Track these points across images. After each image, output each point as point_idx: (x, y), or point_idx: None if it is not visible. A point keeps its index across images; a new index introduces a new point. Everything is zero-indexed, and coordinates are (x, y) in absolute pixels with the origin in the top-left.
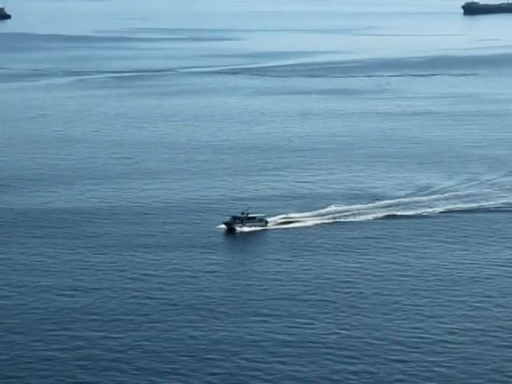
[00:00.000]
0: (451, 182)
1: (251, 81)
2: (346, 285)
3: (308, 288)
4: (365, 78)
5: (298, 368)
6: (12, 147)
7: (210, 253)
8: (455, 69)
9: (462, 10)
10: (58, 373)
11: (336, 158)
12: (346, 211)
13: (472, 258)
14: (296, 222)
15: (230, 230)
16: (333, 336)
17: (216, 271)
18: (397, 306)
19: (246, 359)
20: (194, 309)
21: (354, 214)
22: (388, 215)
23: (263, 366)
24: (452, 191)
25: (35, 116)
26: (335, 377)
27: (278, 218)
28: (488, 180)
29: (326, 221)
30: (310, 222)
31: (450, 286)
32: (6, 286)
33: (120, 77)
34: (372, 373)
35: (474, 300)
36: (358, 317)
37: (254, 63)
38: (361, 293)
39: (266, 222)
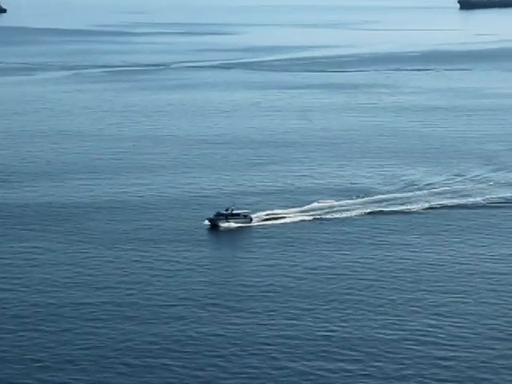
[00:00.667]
0: (442, 177)
1: (247, 75)
2: (330, 280)
3: (291, 284)
4: (361, 73)
5: (284, 363)
6: (8, 141)
7: (192, 249)
8: (451, 63)
9: (458, 5)
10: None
11: (327, 153)
12: (332, 207)
13: (460, 253)
14: (281, 218)
15: (214, 227)
16: (318, 332)
17: (195, 267)
18: (383, 301)
19: (230, 354)
20: (165, 306)
21: (340, 210)
22: (375, 211)
23: (247, 360)
24: (442, 186)
25: (31, 110)
26: (321, 372)
27: (262, 214)
28: (479, 175)
29: (311, 217)
30: (296, 218)
31: (437, 280)
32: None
33: (116, 71)
34: (360, 369)
35: (460, 295)
36: (345, 311)
37: (250, 58)
38: (347, 288)
39: (251, 219)
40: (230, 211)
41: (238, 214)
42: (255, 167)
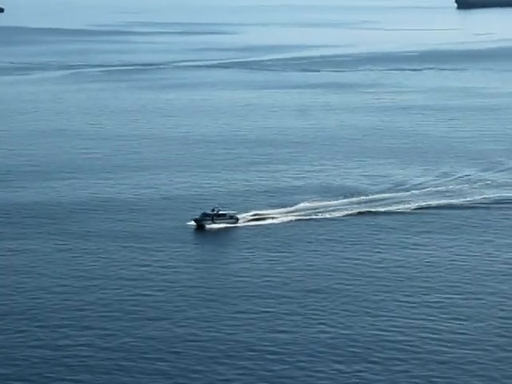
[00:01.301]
0: (436, 177)
1: (246, 75)
2: (316, 280)
3: (276, 284)
4: (359, 72)
5: (263, 363)
6: (5, 140)
7: (176, 250)
8: (449, 63)
9: (456, 4)
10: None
11: (319, 153)
12: (320, 207)
13: (450, 253)
14: (268, 218)
15: (200, 227)
16: (297, 334)
17: (179, 269)
18: (370, 303)
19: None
20: (145, 307)
21: (328, 211)
22: (363, 211)
23: (227, 361)
24: (436, 186)
25: (29, 110)
26: (296, 373)
27: (249, 215)
28: (473, 175)
29: (299, 217)
30: (283, 219)
31: (425, 282)
32: None
33: (115, 70)
34: (348, 372)
35: (450, 296)
36: (326, 313)
37: (248, 57)
38: (331, 288)
39: (237, 219)
40: (215, 212)
41: (224, 215)
42: (245, 167)
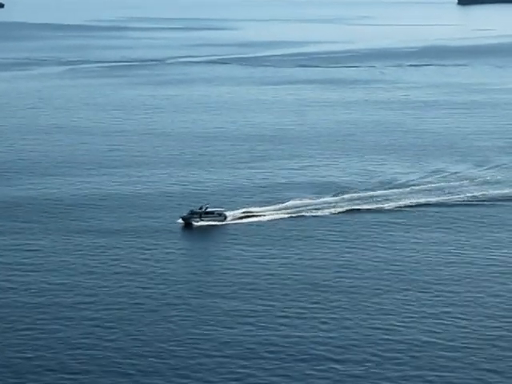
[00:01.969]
0: (432, 173)
1: (244, 70)
2: (303, 277)
3: (262, 282)
4: (357, 68)
5: (254, 362)
6: (3, 136)
7: (164, 249)
8: (449, 59)
9: (456, 0)
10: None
11: (315, 149)
12: (309, 205)
13: (435, 251)
14: (257, 216)
15: (188, 225)
16: (280, 333)
17: (166, 266)
18: (356, 300)
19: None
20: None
21: (317, 208)
22: (351, 209)
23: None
24: (434, 183)
25: (27, 105)
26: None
27: (237, 213)
28: (470, 171)
29: (287, 215)
30: (272, 216)
31: (415, 280)
32: None
33: (113, 66)
34: (337, 370)
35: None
36: (312, 310)
37: (247, 53)
38: (320, 285)
39: (225, 217)
40: (203, 209)
41: (212, 212)
42: (238, 164)
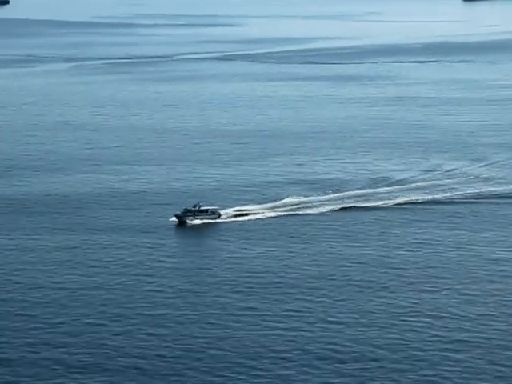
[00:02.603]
0: (435, 170)
1: (249, 67)
2: (296, 276)
3: (253, 280)
4: (362, 65)
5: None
6: (9, 133)
7: (158, 247)
8: (454, 55)
9: None
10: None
11: (317, 146)
12: (304, 202)
13: (429, 250)
14: (251, 214)
15: (182, 223)
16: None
17: (159, 265)
18: (351, 297)
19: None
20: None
21: (311, 206)
22: (347, 207)
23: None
24: (436, 180)
25: (33, 102)
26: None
27: (232, 211)
28: (471, 168)
29: (282, 213)
30: (266, 215)
31: (408, 276)
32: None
33: (118, 63)
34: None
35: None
36: (308, 307)
37: (252, 49)
38: (313, 282)
39: (219, 215)
40: (197, 207)
41: (206, 211)
42: (235, 161)
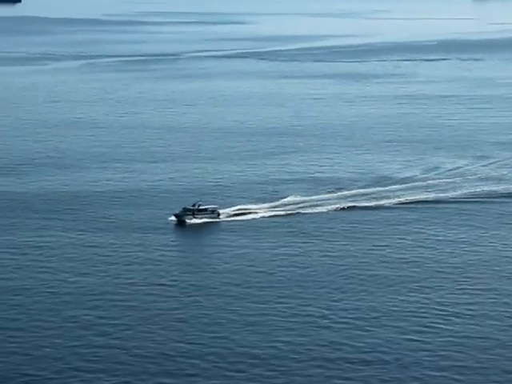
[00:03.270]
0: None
1: (259, 65)
2: (295, 275)
3: (252, 279)
4: (373, 63)
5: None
6: (20, 131)
7: (156, 246)
8: (465, 53)
9: None
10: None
11: (326, 144)
12: (304, 202)
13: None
14: (250, 213)
15: (181, 222)
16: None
17: (157, 265)
18: (356, 296)
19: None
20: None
21: (312, 205)
22: (347, 207)
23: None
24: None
25: (43, 100)
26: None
27: (231, 210)
28: (482, 167)
29: (282, 212)
30: (265, 214)
31: (408, 275)
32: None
33: (129, 60)
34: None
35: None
36: (306, 307)
37: (262, 47)
38: (311, 282)
39: (218, 214)
40: (196, 206)
41: (205, 210)
42: (239, 159)
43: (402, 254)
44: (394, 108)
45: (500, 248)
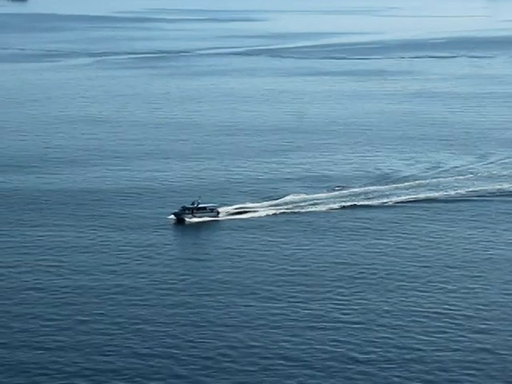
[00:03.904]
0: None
1: (271, 62)
2: (295, 274)
3: (248, 279)
4: (386, 60)
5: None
6: (33, 128)
7: (155, 245)
8: (478, 50)
9: None
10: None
11: (336, 141)
12: (305, 200)
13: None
14: (250, 212)
15: (180, 221)
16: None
17: (156, 264)
18: (346, 296)
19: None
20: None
21: (313, 204)
22: (347, 205)
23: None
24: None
25: (56, 97)
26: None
27: (231, 208)
28: (494, 164)
29: (282, 210)
30: (265, 213)
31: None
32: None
33: (141, 57)
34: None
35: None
36: (304, 305)
37: (274, 44)
38: (311, 281)
39: (218, 213)
40: (195, 205)
41: (204, 208)
42: (243, 157)
43: (406, 251)
44: (406, 105)
45: None
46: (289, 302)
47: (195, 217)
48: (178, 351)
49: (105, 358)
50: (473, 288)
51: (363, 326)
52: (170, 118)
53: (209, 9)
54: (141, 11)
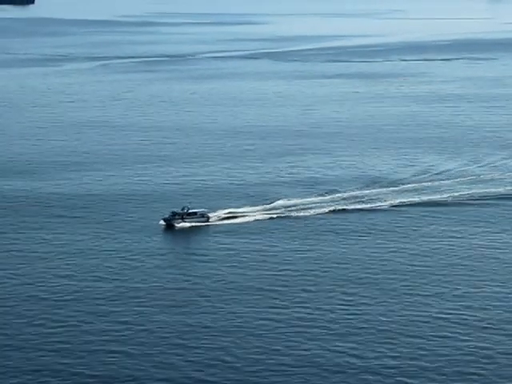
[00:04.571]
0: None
1: (273, 65)
2: (288, 279)
3: (241, 284)
4: (388, 62)
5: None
6: (35, 132)
7: (145, 251)
8: (480, 52)
9: None
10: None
11: (334, 144)
12: (296, 205)
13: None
14: (240, 217)
15: (170, 227)
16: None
17: (146, 270)
18: (340, 301)
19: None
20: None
21: (303, 208)
22: (337, 209)
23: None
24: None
25: (58, 101)
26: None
27: (221, 213)
28: (497, 166)
29: (273, 215)
30: (256, 217)
31: (399, 281)
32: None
33: (143, 61)
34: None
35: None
36: (297, 310)
37: (277, 48)
38: (304, 285)
39: (208, 218)
40: (185, 210)
41: (194, 213)
42: (234, 161)
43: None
44: (410, 108)
45: None
46: (280, 306)
47: (185, 222)
48: (167, 356)
49: (95, 363)
50: (468, 292)
51: (356, 330)
52: (169, 122)
53: (211, 12)
54: (143, 15)
